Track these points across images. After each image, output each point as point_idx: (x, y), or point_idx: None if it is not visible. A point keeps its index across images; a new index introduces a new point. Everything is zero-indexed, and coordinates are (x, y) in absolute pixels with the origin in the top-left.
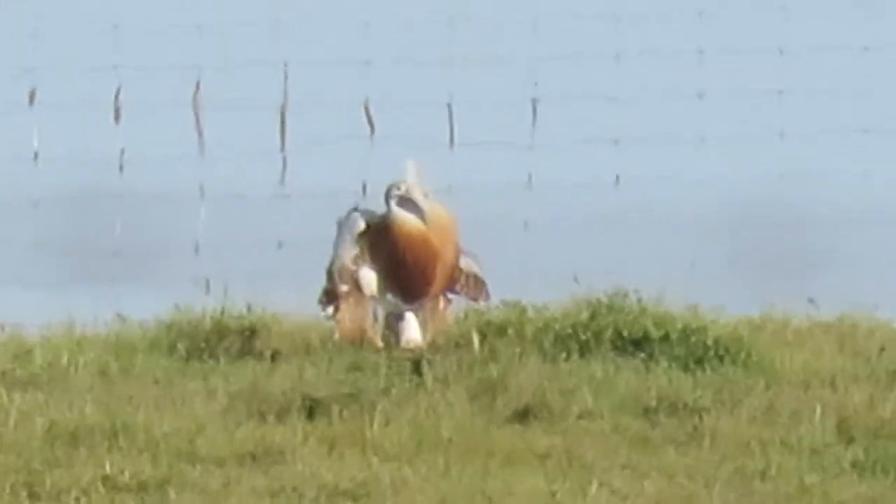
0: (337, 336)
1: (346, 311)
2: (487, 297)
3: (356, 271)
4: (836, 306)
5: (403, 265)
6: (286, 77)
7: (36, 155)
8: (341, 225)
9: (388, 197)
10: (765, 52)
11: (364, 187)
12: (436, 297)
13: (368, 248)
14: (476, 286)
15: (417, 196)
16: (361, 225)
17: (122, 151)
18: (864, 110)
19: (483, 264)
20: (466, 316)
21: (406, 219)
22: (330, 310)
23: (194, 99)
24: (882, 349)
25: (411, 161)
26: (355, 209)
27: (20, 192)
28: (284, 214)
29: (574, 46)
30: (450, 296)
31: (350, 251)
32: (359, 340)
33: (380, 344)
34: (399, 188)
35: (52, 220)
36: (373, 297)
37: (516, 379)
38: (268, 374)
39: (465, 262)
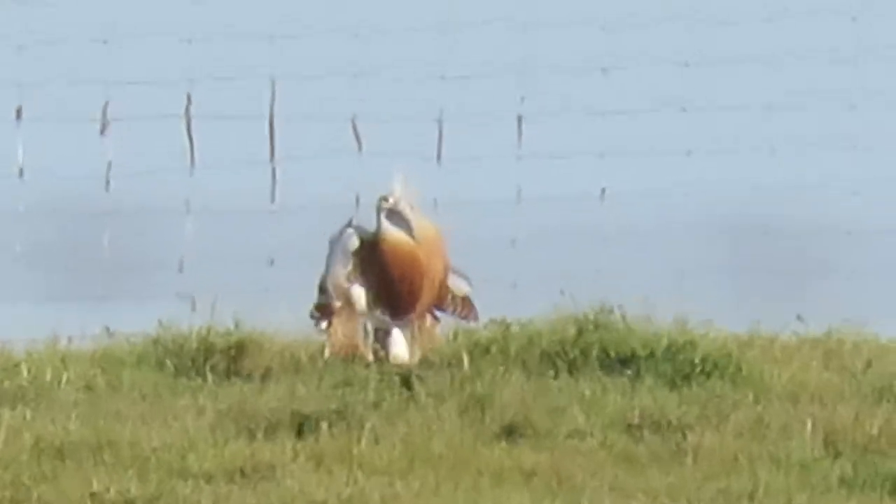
0: (328, 352)
1: (339, 326)
2: (476, 318)
3: (349, 288)
4: (824, 320)
5: (390, 280)
6: (274, 90)
7: (21, 171)
8: (334, 241)
9: (377, 210)
10: (752, 63)
11: (357, 201)
12: (423, 314)
13: (359, 264)
14: (465, 306)
15: (405, 209)
16: (356, 242)
17: (110, 165)
18: (853, 123)
19: (472, 282)
20: (456, 336)
21: (394, 233)
22: (323, 324)
23: (186, 112)
24: (868, 365)
25: (399, 173)
26: (349, 225)
27: (5, 207)
28: (274, 229)
29: (561, 59)
30: (439, 314)
31: (343, 267)
32: (350, 356)
33: (371, 358)
34: (387, 200)
35: (37, 235)
36: (362, 313)
37: (501, 396)
38: (256, 391)
39: (453, 281)
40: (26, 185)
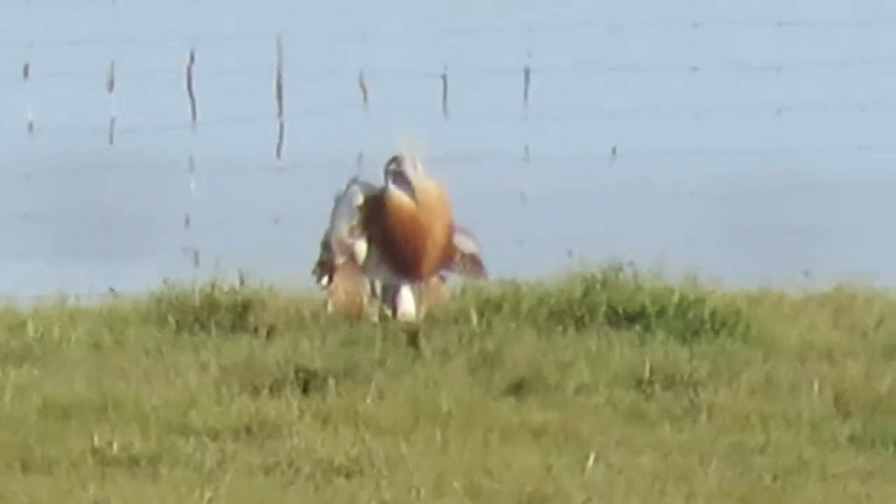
0: (330, 308)
1: (341, 282)
2: (486, 275)
3: (353, 243)
4: (833, 278)
5: (395, 242)
6: (280, 48)
7: (31, 126)
8: (339, 197)
9: (385, 172)
10: (763, 24)
11: (360, 158)
12: (429, 275)
13: (364, 221)
14: (473, 264)
15: (409, 171)
16: (360, 199)
17: (113, 121)
18: (861, 85)
19: (479, 241)
20: (464, 292)
21: (398, 196)
22: (324, 281)
23: (188, 70)
24: (880, 322)
25: (404, 134)
26: (354, 182)
27: (14, 164)
28: (279, 186)
29: (569, 17)
30: (445, 273)
31: (347, 223)
32: (353, 313)
33: (375, 318)
34: (393, 163)
35: (45, 192)
36: (368, 270)
37: (512, 353)
38: (261, 347)
39: (459, 240)
40: (35, 142)
